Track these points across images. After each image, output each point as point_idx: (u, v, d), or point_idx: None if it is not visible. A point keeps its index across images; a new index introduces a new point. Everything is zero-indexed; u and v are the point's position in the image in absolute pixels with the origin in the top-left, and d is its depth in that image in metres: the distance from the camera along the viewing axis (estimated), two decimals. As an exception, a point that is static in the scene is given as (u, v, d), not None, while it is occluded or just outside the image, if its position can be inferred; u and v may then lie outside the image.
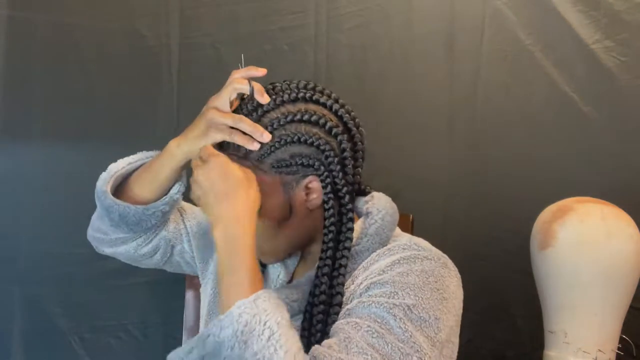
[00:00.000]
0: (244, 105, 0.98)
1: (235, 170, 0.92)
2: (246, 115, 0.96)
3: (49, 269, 1.70)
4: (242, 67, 1.03)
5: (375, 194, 1.06)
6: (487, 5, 1.77)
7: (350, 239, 0.96)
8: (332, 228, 0.96)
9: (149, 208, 1.08)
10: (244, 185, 0.91)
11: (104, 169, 1.14)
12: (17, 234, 1.70)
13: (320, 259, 0.95)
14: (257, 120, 0.95)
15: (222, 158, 0.93)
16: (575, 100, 1.77)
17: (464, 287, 0.98)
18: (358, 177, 1.02)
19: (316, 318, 0.93)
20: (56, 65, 1.70)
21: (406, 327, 0.85)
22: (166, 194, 1.08)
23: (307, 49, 1.76)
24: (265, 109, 0.96)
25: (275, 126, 0.95)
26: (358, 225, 1.00)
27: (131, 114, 1.72)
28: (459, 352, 0.95)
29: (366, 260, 0.97)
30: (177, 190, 1.09)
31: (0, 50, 1.67)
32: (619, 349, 1.49)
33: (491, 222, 1.78)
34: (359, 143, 1.02)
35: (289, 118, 0.95)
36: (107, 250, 1.17)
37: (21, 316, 1.71)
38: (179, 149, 1.02)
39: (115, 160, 1.11)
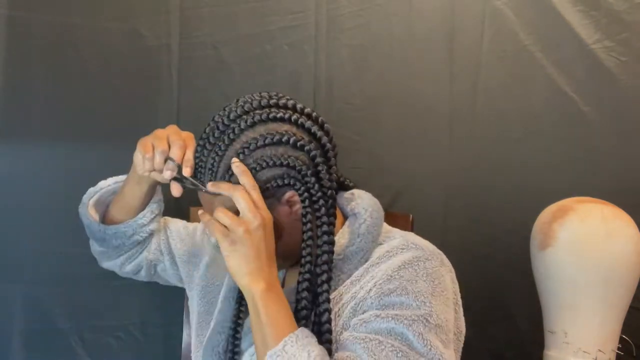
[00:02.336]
0: (203, 143, 0.96)
1: (272, 227, 0.93)
2: (208, 153, 0.95)
3: (49, 269, 1.70)
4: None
5: (356, 191, 1.05)
6: (487, 5, 1.77)
7: (328, 252, 0.96)
8: (310, 242, 0.95)
9: (110, 229, 1.14)
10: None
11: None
12: (17, 234, 1.70)
13: (300, 273, 0.96)
14: (222, 155, 0.94)
15: (268, 218, 0.92)
16: (575, 100, 1.77)
17: (464, 287, 1.00)
18: (334, 175, 1.01)
19: (323, 328, 0.94)
20: (56, 65, 1.69)
21: (426, 340, 0.89)
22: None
23: (307, 49, 1.76)
24: (227, 142, 0.94)
25: (240, 158, 0.93)
26: (347, 227, 1.01)
27: (131, 114, 1.71)
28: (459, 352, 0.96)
29: (368, 262, 0.98)
30: (142, 216, 1.14)
31: (0, 50, 1.67)
32: (619, 349, 1.49)
33: (491, 222, 1.78)
34: (328, 144, 0.99)
35: (252, 146, 0.93)
36: (103, 265, 1.27)
37: (21, 316, 1.70)
38: (132, 166, 1.06)
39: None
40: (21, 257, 1.70)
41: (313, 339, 0.89)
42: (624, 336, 1.51)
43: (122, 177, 1.17)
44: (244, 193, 0.91)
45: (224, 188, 0.92)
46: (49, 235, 1.70)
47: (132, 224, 1.14)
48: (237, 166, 0.92)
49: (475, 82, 1.78)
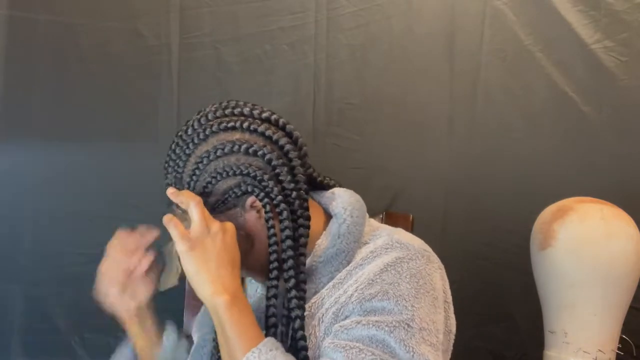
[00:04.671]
0: (167, 160, 0.96)
1: (234, 235, 0.91)
2: (171, 170, 0.95)
3: (49, 269, 1.70)
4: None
5: (336, 190, 1.03)
6: (487, 5, 1.77)
7: (293, 257, 0.93)
8: (275, 247, 0.93)
9: None
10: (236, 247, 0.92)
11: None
12: (18, 234, 1.70)
13: (268, 279, 0.94)
14: (182, 172, 0.94)
15: (228, 226, 0.91)
16: (575, 100, 1.77)
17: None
18: (301, 176, 0.96)
19: (297, 334, 0.92)
20: (56, 65, 1.70)
21: (409, 346, 0.86)
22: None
23: (307, 49, 1.76)
24: (184, 158, 0.94)
25: (198, 174, 0.93)
26: (328, 228, 0.98)
27: (131, 114, 1.72)
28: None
29: (350, 265, 0.96)
30: (166, 338, 1.08)
31: (0, 50, 1.67)
32: (619, 349, 1.49)
33: (491, 222, 1.78)
34: (287, 145, 0.96)
35: (204, 161, 0.92)
36: None
37: (21, 316, 1.71)
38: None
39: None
40: (21, 257, 1.70)
41: (278, 351, 0.86)
42: (624, 336, 1.51)
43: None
44: (201, 204, 0.90)
45: (184, 195, 0.91)
46: (49, 235, 1.70)
47: (170, 344, 1.08)
48: (172, 194, 0.93)
49: (475, 82, 1.78)
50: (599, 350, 1.45)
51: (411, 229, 1.43)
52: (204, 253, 0.88)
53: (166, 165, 0.96)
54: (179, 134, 0.96)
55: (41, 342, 1.72)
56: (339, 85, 1.76)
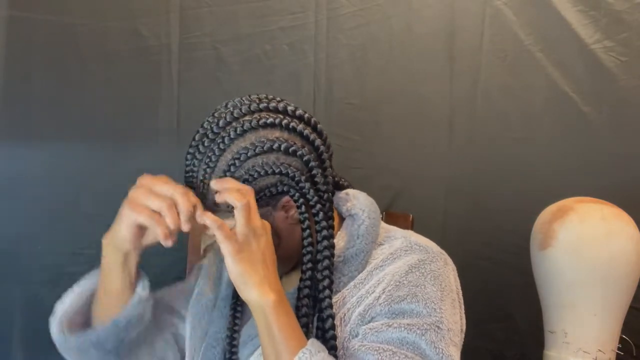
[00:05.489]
0: (193, 152, 0.91)
1: (271, 234, 0.89)
2: (199, 163, 0.90)
3: (49, 269, 1.70)
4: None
5: (351, 191, 1.03)
6: (487, 5, 1.77)
7: (329, 257, 0.93)
8: (310, 248, 0.93)
9: (120, 321, 0.95)
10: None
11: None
12: (18, 233, 1.70)
13: (301, 280, 0.94)
14: (214, 167, 0.89)
15: (267, 225, 0.89)
16: (575, 100, 1.77)
17: (464, 287, 1.00)
18: (330, 177, 0.98)
19: (327, 334, 0.92)
20: (56, 65, 1.69)
21: (438, 348, 0.88)
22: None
23: (307, 49, 1.76)
24: (217, 153, 0.89)
25: (233, 170, 0.89)
26: (344, 228, 0.99)
27: (131, 114, 1.72)
28: (459, 353, 0.96)
29: (371, 265, 0.97)
30: (142, 289, 0.95)
31: (0, 50, 1.67)
32: (619, 349, 1.49)
33: (491, 222, 1.78)
34: (321, 146, 0.96)
35: (242, 157, 0.89)
36: None
37: (21, 316, 1.71)
38: (110, 245, 0.91)
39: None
40: (21, 257, 1.70)
41: (325, 352, 0.87)
42: (624, 336, 1.51)
43: (77, 289, 1.02)
44: (252, 197, 0.86)
45: (232, 189, 0.86)
46: (49, 235, 1.70)
47: (135, 302, 0.95)
48: (217, 185, 0.87)
49: (475, 82, 1.78)
50: (599, 350, 1.45)
51: (411, 229, 1.43)
52: (250, 255, 0.86)
53: (191, 157, 0.91)
54: (207, 125, 0.91)
55: (41, 342, 1.72)
56: (339, 85, 1.76)
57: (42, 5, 1.69)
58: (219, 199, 0.87)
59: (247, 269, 0.85)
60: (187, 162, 0.92)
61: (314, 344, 0.86)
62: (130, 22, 1.71)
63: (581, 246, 1.45)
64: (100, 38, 1.71)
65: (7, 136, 1.70)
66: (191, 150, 0.92)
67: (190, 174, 0.92)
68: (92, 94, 1.72)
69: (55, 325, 1.04)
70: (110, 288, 0.95)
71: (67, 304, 1.02)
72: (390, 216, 1.37)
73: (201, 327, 1.05)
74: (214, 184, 0.88)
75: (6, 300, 1.70)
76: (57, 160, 1.71)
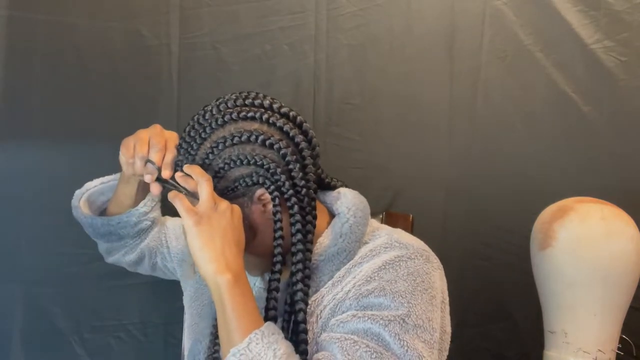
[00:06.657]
0: (180, 142, 0.98)
1: (241, 218, 0.92)
2: (184, 152, 0.96)
3: (49, 269, 1.70)
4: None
5: (341, 190, 1.04)
6: (487, 5, 1.77)
7: (303, 251, 0.94)
8: (280, 241, 0.94)
9: (113, 219, 1.14)
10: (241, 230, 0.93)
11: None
12: (18, 233, 1.70)
13: (272, 272, 0.95)
14: (194, 154, 0.95)
15: (236, 207, 0.92)
16: (575, 100, 1.77)
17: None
18: (312, 175, 0.98)
19: (299, 327, 0.92)
20: (56, 65, 1.69)
21: (403, 341, 0.87)
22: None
23: (307, 49, 1.76)
24: (198, 141, 0.95)
25: (211, 158, 0.94)
26: (330, 227, 0.99)
27: (131, 114, 1.72)
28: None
29: (350, 263, 0.97)
30: (144, 204, 1.14)
31: (0, 50, 1.67)
32: (619, 349, 1.49)
33: (491, 222, 1.78)
34: (302, 142, 0.97)
35: (220, 146, 0.93)
36: (109, 260, 1.27)
37: (21, 316, 1.71)
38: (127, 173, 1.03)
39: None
40: (21, 257, 1.70)
41: (280, 336, 0.87)
42: (624, 336, 1.51)
43: (108, 178, 1.19)
44: (210, 182, 0.91)
45: (197, 172, 0.92)
46: (48, 235, 1.70)
47: (134, 212, 1.14)
48: (186, 167, 0.94)
49: (475, 82, 1.78)
50: (599, 350, 1.45)
51: (411, 229, 1.43)
52: (210, 229, 0.88)
53: (178, 147, 0.97)
54: (195, 117, 0.96)
55: (41, 342, 1.72)
56: (339, 85, 1.76)
57: (42, 5, 1.69)
58: (186, 171, 0.93)
59: (205, 243, 0.87)
60: (177, 152, 0.98)
61: (268, 326, 0.86)
62: (130, 22, 1.71)
63: (581, 246, 1.45)
64: (100, 38, 1.71)
65: (7, 136, 1.70)
66: (179, 141, 0.98)
67: (177, 162, 0.97)
68: (92, 94, 1.72)
69: (77, 197, 1.19)
70: (119, 198, 1.14)
71: (95, 182, 1.20)
72: (390, 216, 1.37)
73: (196, 322, 1.09)
74: (185, 168, 0.94)
75: (6, 300, 1.70)
76: (57, 160, 1.71)
